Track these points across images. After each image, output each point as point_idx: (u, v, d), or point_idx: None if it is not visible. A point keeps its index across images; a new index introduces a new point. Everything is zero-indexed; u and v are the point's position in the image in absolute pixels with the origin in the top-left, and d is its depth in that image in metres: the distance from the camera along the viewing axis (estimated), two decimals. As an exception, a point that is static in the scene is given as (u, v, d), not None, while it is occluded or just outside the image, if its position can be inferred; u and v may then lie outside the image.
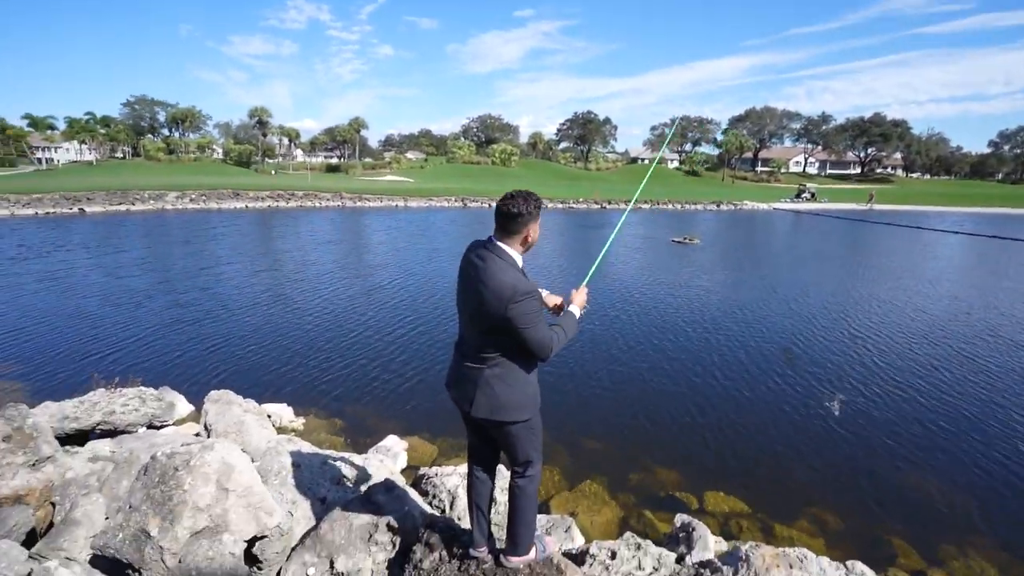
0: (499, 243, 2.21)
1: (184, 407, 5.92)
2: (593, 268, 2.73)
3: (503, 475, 3.81)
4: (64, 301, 10.94)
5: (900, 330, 10.23)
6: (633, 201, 3.12)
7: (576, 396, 7.02)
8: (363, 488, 3.65)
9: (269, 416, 5.99)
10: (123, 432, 4.95)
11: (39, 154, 72.24)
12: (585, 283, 2.57)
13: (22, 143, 65.44)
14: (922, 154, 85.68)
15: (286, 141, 75.21)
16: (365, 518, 2.91)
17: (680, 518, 4.14)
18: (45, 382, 6.82)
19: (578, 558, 3.32)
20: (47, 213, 27.77)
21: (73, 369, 7.26)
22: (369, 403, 6.64)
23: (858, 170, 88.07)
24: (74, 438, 4.94)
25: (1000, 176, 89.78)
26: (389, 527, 2.88)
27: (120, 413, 4.91)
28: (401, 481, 3.59)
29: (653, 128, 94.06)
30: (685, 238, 22.97)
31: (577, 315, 2.43)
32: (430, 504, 3.51)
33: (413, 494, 3.31)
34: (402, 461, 5.01)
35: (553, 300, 2.51)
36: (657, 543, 4.15)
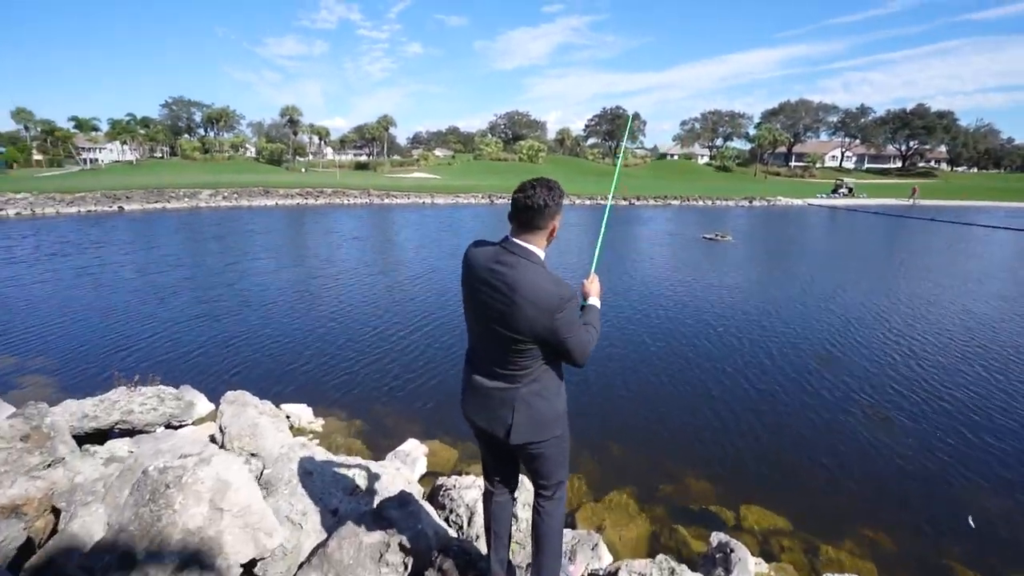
0: (522, 243, 1.91)
1: (204, 406, 5.86)
2: (596, 254, 2.47)
3: (524, 488, 3.58)
4: (95, 297, 11.16)
5: (946, 334, 9.59)
6: (612, 190, 2.81)
7: (603, 399, 6.73)
8: (376, 500, 3.46)
9: (288, 417, 5.90)
10: (141, 432, 4.89)
11: (84, 155, 75.09)
12: (594, 270, 2.31)
13: (68, 144, 68.06)
14: (969, 146, 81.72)
15: (316, 139, 76.45)
16: (376, 536, 2.71)
17: (716, 537, 3.83)
18: (71, 378, 6.89)
19: (605, 582, 3.06)
20: (89, 211, 28.71)
21: (99, 366, 7.32)
22: (390, 404, 6.49)
23: (899, 164, 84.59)
24: (94, 437, 4.91)
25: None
26: (401, 547, 2.68)
27: (138, 413, 4.85)
28: (418, 492, 3.39)
29: (683, 123, 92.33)
30: (717, 235, 22.30)
31: (599, 305, 2.18)
32: (447, 520, 3.30)
33: (428, 509, 3.10)
34: (421, 467, 4.82)
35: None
36: (692, 565, 3.86)
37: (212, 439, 4.68)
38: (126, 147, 68.57)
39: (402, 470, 4.03)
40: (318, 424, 5.88)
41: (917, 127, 78.18)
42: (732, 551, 3.60)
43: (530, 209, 1.85)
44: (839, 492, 4.95)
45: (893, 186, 58.21)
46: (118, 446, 4.64)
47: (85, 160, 71.32)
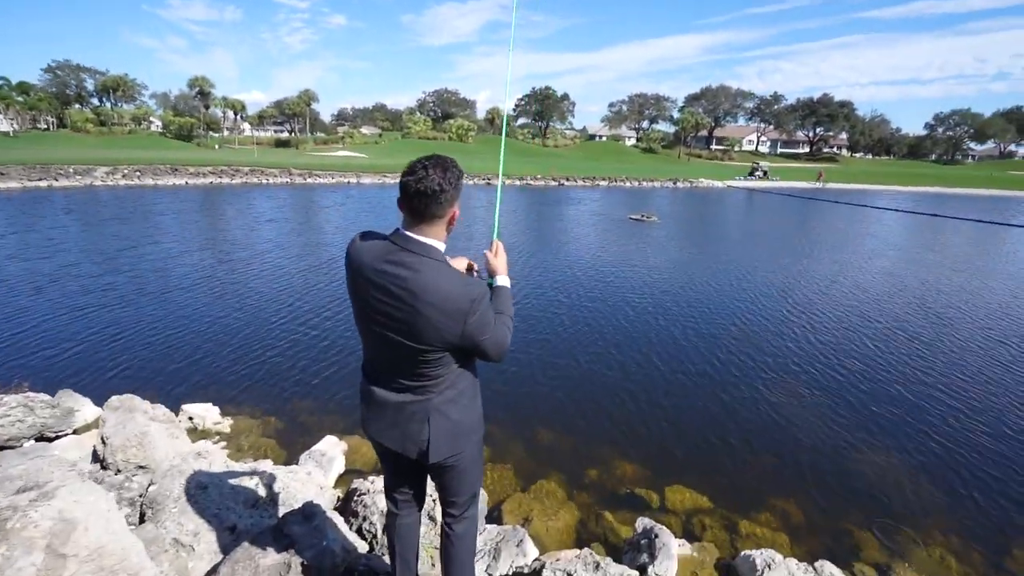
0: (419, 236, 1.61)
1: (90, 412, 5.20)
2: (496, 219, 2.20)
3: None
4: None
5: (843, 309, 10.35)
6: (501, 170, 2.52)
7: (529, 385, 6.66)
8: (283, 511, 3.15)
9: (191, 419, 5.38)
10: (4, 447, 4.25)
11: (-52, 124, 65.65)
12: (495, 238, 2.03)
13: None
14: (865, 135, 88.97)
15: (231, 114, 71.08)
16: (275, 557, 2.43)
17: (641, 523, 3.85)
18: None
19: (530, 581, 2.95)
20: (-46, 189, 25.17)
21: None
22: (305, 398, 6.08)
23: (807, 149, 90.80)
24: (-55, 455, 4.20)
25: (934, 157, 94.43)
26: (304, 568, 2.41)
27: None
28: (330, 499, 3.12)
29: (611, 105, 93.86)
30: (643, 215, 22.91)
31: (508, 284, 1.91)
32: (359, 530, 3.06)
33: (337, 521, 2.85)
34: (339, 466, 4.52)
35: (460, 263, 1.92)
36: (618, 552, 3.87)
37: (95, 452, 4.13)
38: (1, 116, 60.55)
39: (314, 474, 3.72)
40: (225, 424, 5.40)
41: (823, 115, 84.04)
42: (656, 536, 3.61)
43: (423, 195, 1.55)
44: (754, 467, 5.15)
45: (802, 170, 62.42)
46: (-25, 465, 4.00)
47: (-51, 131, 62.27)
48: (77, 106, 68.94)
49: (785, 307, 10.26)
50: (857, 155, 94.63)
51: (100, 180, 29.96)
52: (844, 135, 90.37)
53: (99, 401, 5.39)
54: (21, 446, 4.41)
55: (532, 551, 3.55)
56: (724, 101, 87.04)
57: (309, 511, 2.68)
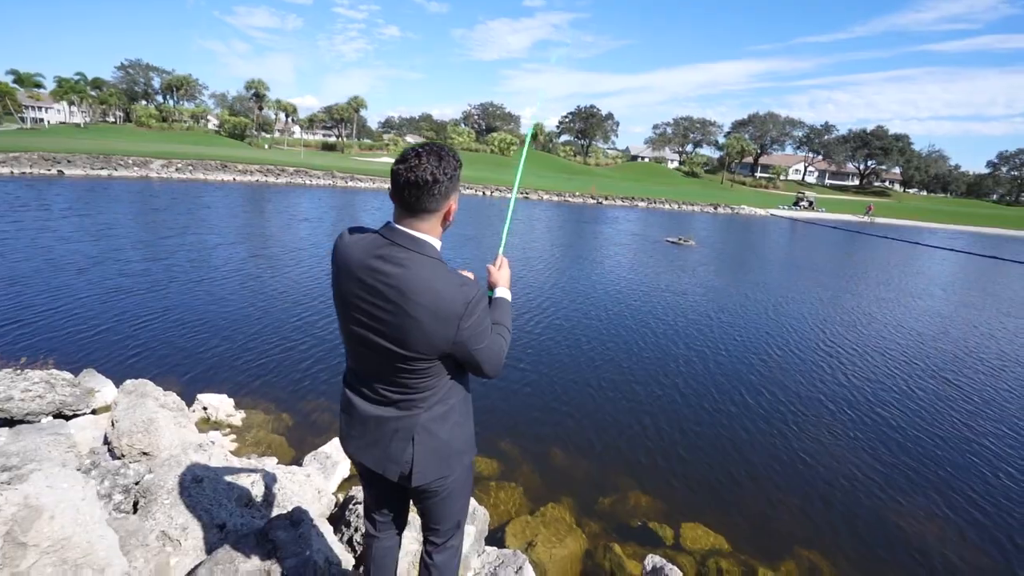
0: (411, 231, 1.47)
1: (110, 393, 5.26)
2: (504, 233, 2.01)
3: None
4: (4, 267, 10.17)
5: (888, 350, 9.74)
6: (516, 182, 2.32)
7: (545, 401, 6.45)
8: (274, 514, 3.06)
9: (205, 408, 5.39)
10: (22, 422, 4.31)
11: (29, 113, 70.25)
12: (501, 251, 1.88)
13: (8, 100, 63.45)
14: (921, 170, 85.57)
15: (283, 116, 73.77)
16: (254, 563, 2.32)
17: (651, 560, 3.59)
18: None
19: (524, 615, 2.75)
20: (24, 173, 26.73)
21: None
22: (321, 397, 6.02)
23: (857, 182, 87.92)
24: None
25: (995, 197, 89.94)
26: (284, 577, 2.29)
27: (19, 400, 4.26)
28: (324, 505, 3.00)
29: (655, 127, 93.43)
30: (680, 239, 22.44)
31: (508, 298, 1.76)
32: (350, 541, 2.92)
33: (326, 529, 2.72)
34: (342, 471, 4.41)
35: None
36: (623, 589, 3.62)
37: (106, 434, 4.16)
38: (74, 108, 64.46)
39: (314, 477, 3.62)
40: (238, 417, 5.38)
41: (875, 147, 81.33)
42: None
43: (414, 186, 1.40)
44: (778, 511, 4.79)
45: (850, 202, 60.36)
46: (-8, 437, 4.07)
47: (27, 119, 66.62)
48: (143, 102, 72.86)
49: (821, 343, 9.75)
50: (911, 191, 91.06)
51: (155, 172, 31.36)
52: (897, 169, 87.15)
53: (120, 383, 5.48)
54: (39, 421, 4.47)
55: (531, 580, 3.34)
56: (772, 128, 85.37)
57: (297, 517, 2.56)
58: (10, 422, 4.34)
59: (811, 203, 50.44)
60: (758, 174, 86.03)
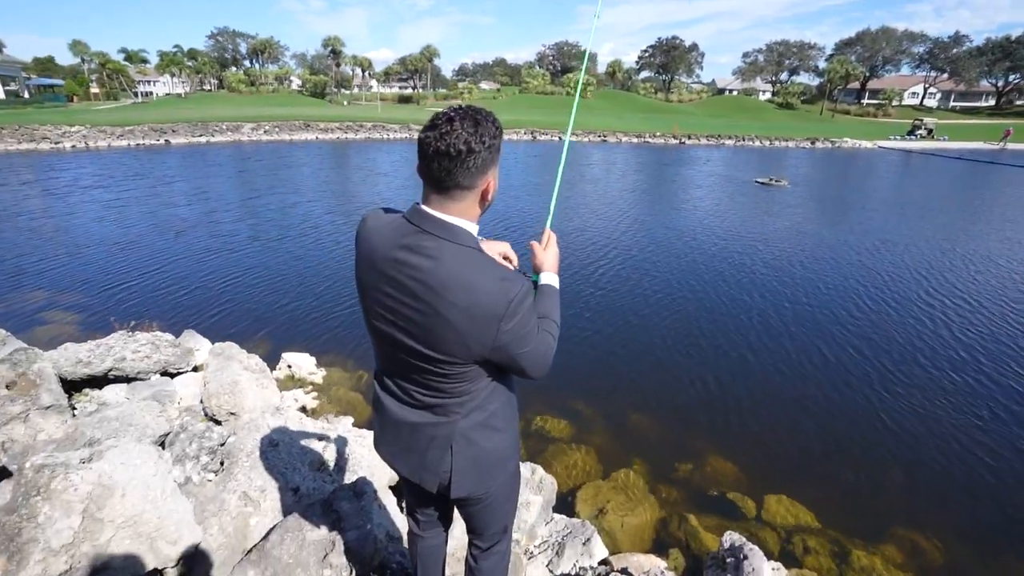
0: (442, 215, 1.25)
1: (206, 352, 5.70)
2: (552, 204, 1.72)
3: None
4: (115, 232, 11.18)
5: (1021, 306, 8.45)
6: (569, 130, 1.94)
7: (623, 359, 6.23)
8: (345, 478, 3.16)
9: (289, 366, 5.71)
10: (135, 379, 4.77)
11: (140, 87, 76.49)
12: (548, 227, 1.62)
13: (123, 77, 69.27)
14: (1080, 82, 72.01)
15: (360, 71, 74.95)
16: (321, 533, 2.38)
17: (729, 537, 3.38)
18: (82, 316, 6.90)
19: (589, 592, 2.68)
20: (138, 144, 29.30)
21: (107, 305, 7.31)
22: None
23: (991, 102, 75.82)
24: (92, 382, 4.83)
25: None
26: (348, 549, 2.34)
27: (131, 360, 4.70)
28: (378, 479, 3.03)
29: (745, 55, 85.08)
30: (771, 179, 20.63)
31: (557, 285, 1.52)
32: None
33: (389, 501, 2.76)
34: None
35: (498, 248, 1.56)
36: (699, 563, 3.47)
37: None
38: (176, 80, 69.25)
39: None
40: (320, 375, 5.67)
41: (1022, 58, 69.05)
42: (745, 558, 3.14)
43: (445, 156, 1.18)
44: (879, 487, 4.36)
45: (983, 127, 52.36)
46: (112, 393, 4.54)
47: (139, 93, 72.60)
48: (233, 68, 76.76)
49: (937, 296, 8.63)
50: (1065, 109, 77.28)
51: (246, 136, 33.23)
52: (1049, 84, 73.84)
53: (216, 342, 5.92)
54: (149, 379, 4.93)
55: (599, 551, 3.27)
56: (885, 46, 74.85)
57: (360, 488, 2.60)
58: (126, 379, 4.82)
59: (930, 131, 44.23)
60: (865, 101, 76.47)
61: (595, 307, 7.68)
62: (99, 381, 4.81)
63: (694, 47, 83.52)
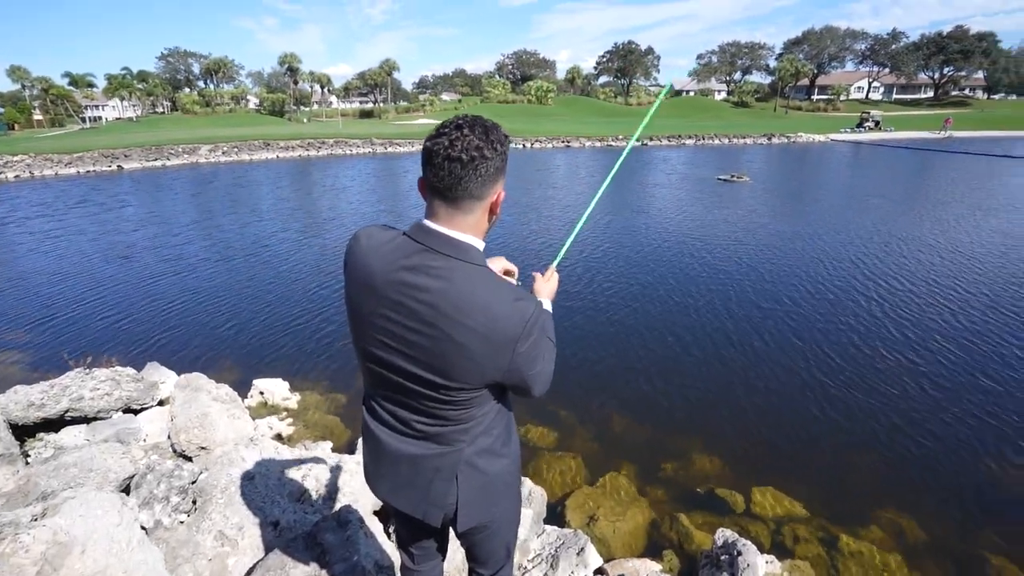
0: (449, 231, 1.18)
1: (172, 385, 5.45)
2: (568, 242, 1.74)
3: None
4: (63, 264, 10.67)
5: (986, 284, 8.82)
6: (590, 208, 1.97)
7: (602, 363, 6.22)
8: (331, 507, 3.03)
9: (262, 393, 5.51)
10: (95, 419, 4.51)
11: (88, 113, 73.81)
12: (555, 265, 1.64)
13: (68, 103, 66.72)
14: (1009, 71, 76.31)
15: (318, 87, 74.03)
16: (305, 569, 2.27)
17: (722, 534, 3.37)
18: (32, 357, 6.52)
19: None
20: (88, 172, 28.19)
21: (62, 341, 6.94)
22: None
23: (930, 94, 79.75)
24: (46, 425, 4.55)
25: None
26: (334, 583, 2.22)
27: (89, 399, 4.44)
28: (362, 505, 2.91)
29: (699, 56, 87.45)
30: (732, 176, 21.15)
31: (550, 310, 1.50)
32: (401, 535, 2.86)
33: (376, 528, 2.65)
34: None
35: (496, 265, 1.53)
36: (693, 562, 3.45)
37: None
38: (126, 103, 67.12)
39: (366, 464, 3.57)
40: (294, 400, 5.48)
41: (953, 52, 72.87)
42: (739, 553, 3.14)
43: (457, 162, 1.11)
44: (860, 471, 4.44)
45: (924, 118, 54.95)
46: (70, 436, 4.29)
47: (87, 118, 70.05)
48: (186, 89, 74.88)
49: (908, 282, 8.94)
50: (995, 97, 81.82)
51: (203, 157, 32.37)
52: (980, 74, 78.10)
53: (182, 372, 5.67)
54: (110, 417, 4.67)
55: (594, 560, 3.21)
56: (830, 44, 78.12)
57: (344, 517, 2.49)
58: (85, 419, 4.55)
59: (877, 123, 46.19)
60: (815, 97, 79.49)
61: (569, 314, 7.68)
62: (55, 424, 4.54)
63: (650, 51, 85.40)
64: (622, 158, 1.97)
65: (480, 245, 1.23)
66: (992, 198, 16.57)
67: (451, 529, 1.52)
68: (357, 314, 1.28)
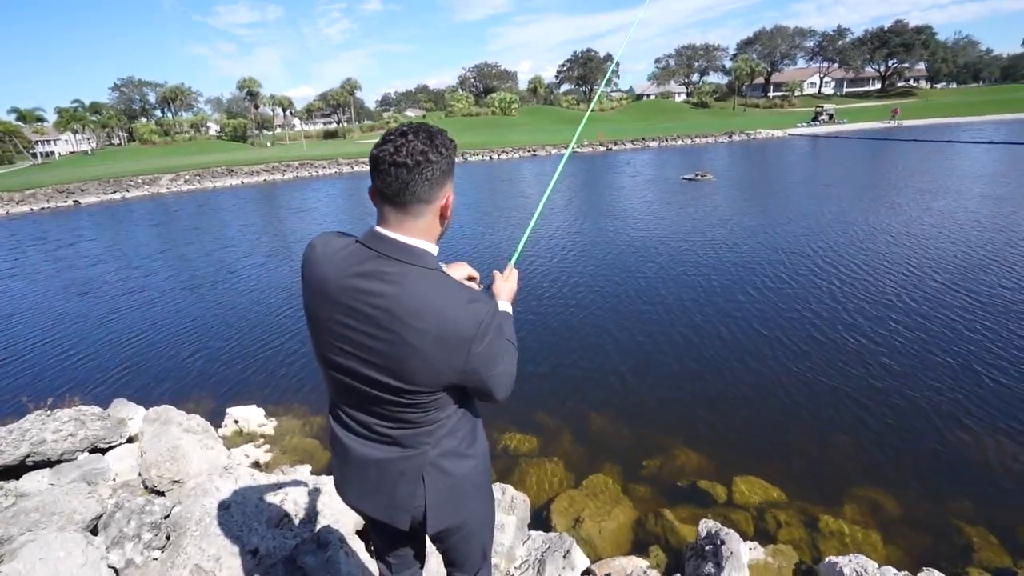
0: (401, 237, 1.20)
1: (141, 421, 5.28)
2: (520, 245, 1.81)
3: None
4: (14, 306, 10.28)
5: (938, 270, 9.19)
6: (546, 196, 2.05)
7: (577, 365, 6.26)
8: (310, 529, 2.97)
9: (236, 422, 5.38)
10: (60, 462, 4.33)
11: (39, 148, 71.47)
12: (513, 263, 1.68)
13: (17, 139, 64.50)
14: (948, 61, 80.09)
15: (280, 111, 73.23)
16: (285, 595, 2.21)
17: (705, 526, 3.42)
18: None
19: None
20: (42, 208, 27.28)
21: (18, 385, 6.67)
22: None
23: (878, 86, 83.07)
24: (11, 472, 4.36)
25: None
26: (316, 606, 2.18)
27: (51, 442, 4.26)
28: (343, 525, 2.87)
29: (657, 60, 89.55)
30: (697, 175, 21.61)
31: (510, 311, 1.54)
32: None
33: (357, 547, 2.61)
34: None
35: (459, 271, 1.58)
36: (679, 556, 3.48)
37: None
38: (79, 136, 65.28)
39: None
40: (270, 426, 5.37)
41: (895, 45, 76.21)
42: (722, 542, 3.18)
43: (403, 167, 1.14)
44: (834, 452, 4.55)
45: (873, 109, 57.19)
46: (32, 482, 4.11)
47: (38, 154, 67.83)
48: (143, 119, 73.21)
49: (866, 269, 9.24)
50: (938, 86, 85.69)
51: (165, 187, 31.65)
52: (922, 65, 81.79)
53: (151, 406, 5.49)
54: (75, 459, 4.50)
55: (581, 561, 3.21)
56: (781, 43, 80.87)
57: (324, 539, 2.45)
58: (49, 463, 4.37)
59: (831, 116, 47.92)
60: (771, 94, 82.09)
61: (541, 318, 7.71)
62: (15, 470, 4.35)
63: (608, 57, 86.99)
64: (565, 158, 2.03)
65: (433, 249, 1.26)
66: (936, 183, 17.30)
67: (427, 536, 1.52)
68: (315, 321, 1.29)
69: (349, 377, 1.28)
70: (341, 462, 1.43)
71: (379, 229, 1.22)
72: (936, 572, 3.00)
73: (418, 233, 1.22)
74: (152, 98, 75.06)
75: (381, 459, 1.34)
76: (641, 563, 3.22)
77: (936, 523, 3.75)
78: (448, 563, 1.62)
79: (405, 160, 1.14)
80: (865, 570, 3.01)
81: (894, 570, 3.00)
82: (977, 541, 3.54)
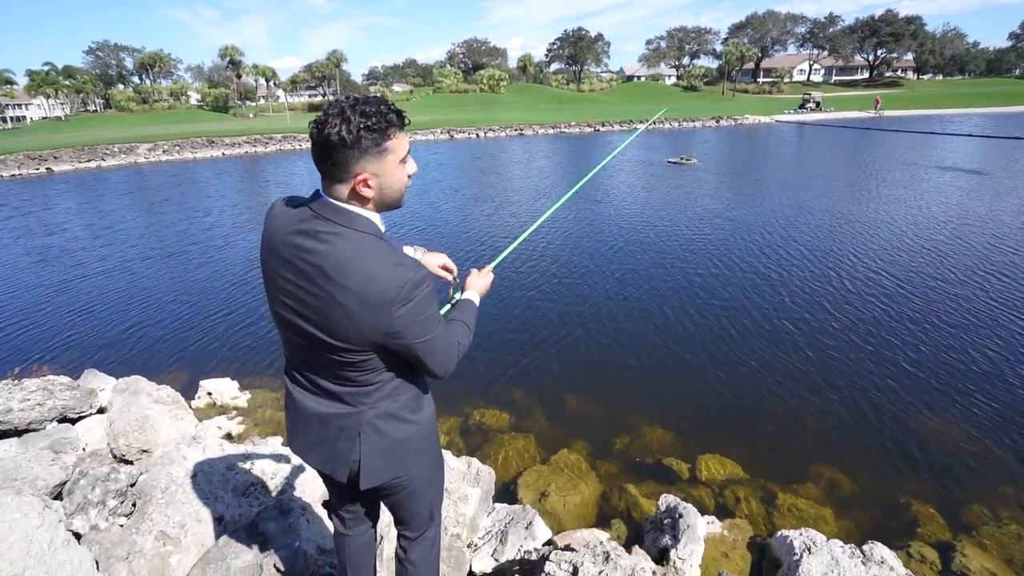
0: (340, 202, 1.27)
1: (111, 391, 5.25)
2: (509, 250, 1.95)
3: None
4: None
5: (907, 254, 9.40)
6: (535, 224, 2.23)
7: (552, 345, 6.33)
8: (272, 499, 3.01)
9: (210, 394, 5.37)
10: (28, 431, 4.31)
11: (9, 112, 68.86)
12: (492, 266, 1.78)
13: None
14: (935, 53, 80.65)
15: (263, 81, 71.34)
16: (246, 558, 2.27)
17: (665, 500, 3.53)
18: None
19: (531, 572, 2.71)
20: (13, 176, 26.42)
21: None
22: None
23: (866, 75, 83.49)
24: (-25, 440, 4.32)
25: (1019, 72, 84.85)
26: (276, 569, 2.23)
27: (19, 411, 4.22)
28: (309, 494, 2.91)
29: (648, 42, 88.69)
30: (682, 158, 21.67)
31: (476, 302, 1.63)
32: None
33: (320, 514, 2.66)
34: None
35: (433, 259, 1.68)
36: (640, 529, 3.60)
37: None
38: (52, 101, 63.07)
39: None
40: (243, 399, 5.36)
41: (885, 34, 76.49)
42: (680, 516, 3.29)
43: (317, 146, 1.21)
44: (795, 432, 4.70)
45: (859, 98, 57.54)
46: (-1, 449, 4.09)
47: (7, 119, 65.40)
48: (120, 86, 70.88)
49: (827, 252, 9.42)
50: (925, 77, 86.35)
51: (143, 157, 30.85)
52: (910, 56, 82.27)
53: (123, 377, 5.45)
54: (44, 428, 4.47)
55: (543, 533, 3.31)
56: (772, 28, 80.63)
57: (286, 506, 2.50)
58: (16, 432, 4.34)
59: (818, 104, 48.16)
60: (761, 79, 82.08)
61: (520, 300, 7.76)
62: (-14, 438, 4.32)
63: (599, 37, 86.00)
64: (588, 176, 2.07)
65: (372, 216, 1.31)
66: (913, 175, 17.57)
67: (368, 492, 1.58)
68: (265, 276, 1.39)
69: (291, 332, 1.37)
70: (291, 415, 1.52)
71: (322, 193, 1.30)
72: (880, 545, 3.14)
73: (347, 202, 1.28)
74: (129, 64, 72.69)
75: (324, 413, 1.42)
76: (602, 535, 3.33)
77: (886, 500, 3.92)
78: (397, 521, 1.69)
79: (321, 139, 1.20)
80: (814, 543, 3.15)
81: (841, 543, 3.14)
82: (922, 517, 3.71)
